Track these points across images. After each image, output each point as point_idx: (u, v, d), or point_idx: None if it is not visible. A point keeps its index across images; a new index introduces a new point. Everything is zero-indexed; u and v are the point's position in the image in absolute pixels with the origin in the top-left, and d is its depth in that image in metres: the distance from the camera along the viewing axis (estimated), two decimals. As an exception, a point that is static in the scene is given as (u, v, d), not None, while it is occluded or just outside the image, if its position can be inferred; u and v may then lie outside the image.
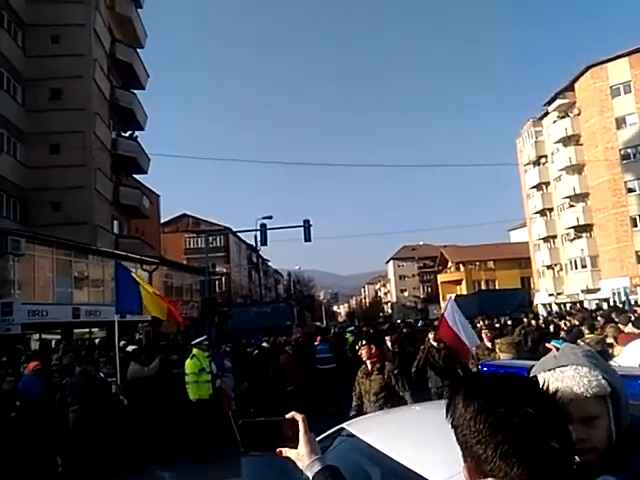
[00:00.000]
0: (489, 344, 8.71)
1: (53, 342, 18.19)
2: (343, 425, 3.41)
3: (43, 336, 18.81)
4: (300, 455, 1.30)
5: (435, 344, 8.26)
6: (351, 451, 2.84)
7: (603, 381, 1.32)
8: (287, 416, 1.33)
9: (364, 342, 5.87)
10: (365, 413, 5.48)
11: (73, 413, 7.42)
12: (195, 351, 9.16)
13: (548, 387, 1.04)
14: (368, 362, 5.77)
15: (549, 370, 1.41)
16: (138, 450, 8.11)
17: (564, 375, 1.36)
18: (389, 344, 9.05)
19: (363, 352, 5.77)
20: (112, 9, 29.50)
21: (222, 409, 9.77)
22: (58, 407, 7.60)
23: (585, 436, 1.27)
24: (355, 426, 3.27)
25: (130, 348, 10.67)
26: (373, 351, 5.74)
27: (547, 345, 3.87)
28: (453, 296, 9.83)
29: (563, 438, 0.94)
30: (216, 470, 7.44)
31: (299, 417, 1.33)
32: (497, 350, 5.84)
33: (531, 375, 1.50)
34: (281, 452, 1.30)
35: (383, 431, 3.14)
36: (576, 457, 1.23)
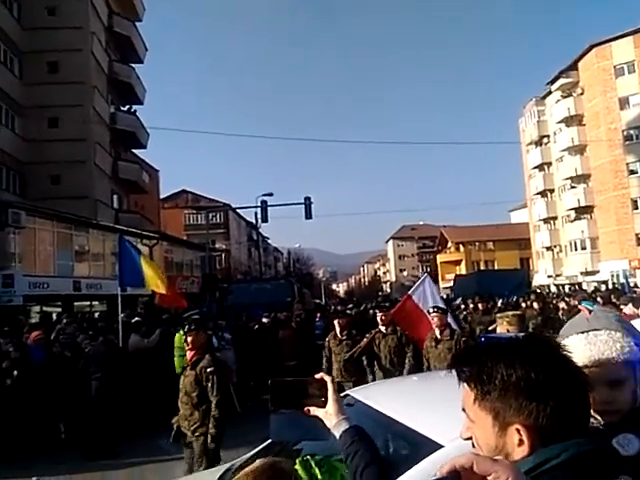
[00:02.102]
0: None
1: (54, 314, 18.27)
2: (348, 392, 3.47)
3: (44, 308, 18.89)
4: (328, 414, 1.33)
5: (383, 329, 7.22)
6: (358, 416, 2.92)
7: (635, 347, 1.37)
8: (316, 377, 1.36)
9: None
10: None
11: (95, 380, 7.61)
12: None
13: (570, 351, 1.03)
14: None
15: (582, 333, 1.44)
16: (137, 420, 8.22)
17: (597, 339, 1.39)
18: (337, 329, 7.64)
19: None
20: (109, -20, 28.97)
21: (224, 380, 9.90)
22: (81, 374, 7.78)
23: (611, 399, 1.31)
24: (360, 393, 3.33)
25: (133, 320, 10.73)
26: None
27: (579, 306, 4.00)
28: (426, 274, 8.96)
29: (583, 400, 0.96)
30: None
31: (327, 378, 1.36)
32: (500, 324, 5.82)
33: (561, 335, 1.53)
34: (309, 411, 1.33)
35: (387, 397, 3.20)
36: (599, 418, 1.30)
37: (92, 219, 22.25)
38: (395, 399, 3.12)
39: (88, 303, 22.06)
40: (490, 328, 8.89)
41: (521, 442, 0.90)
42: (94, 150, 24.71)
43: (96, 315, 20.11)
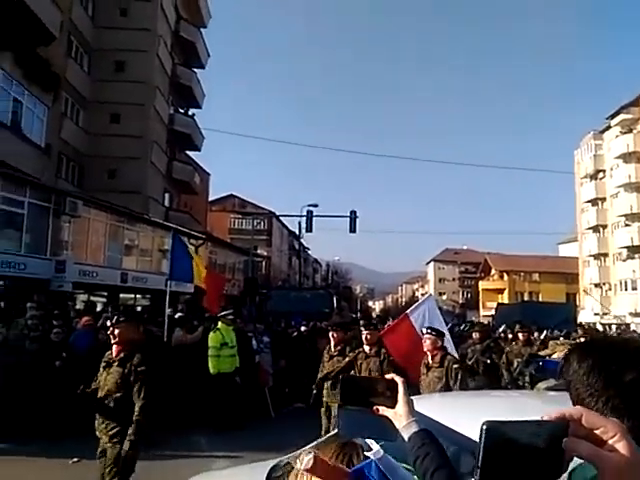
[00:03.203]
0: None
1: (98, 304, 18.80)
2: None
3: (91, 297, 19.47)
4: (397, 415, 1.31)
5: (367, 349, 6.39)
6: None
7: None
8: (387, 377, 1.36)
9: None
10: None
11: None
12: (220, 325, 9.09)
13: None
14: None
15: None
16: (176, 414, 8.29)
17: None
18: (332, 343, 7.08)
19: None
20: (180, -13, 30.03)
21: (260, 384, 9.92)
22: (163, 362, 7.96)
23: None
24: (416, 402, 3.26)
25: (177, 315, 10.91)
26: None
27: None
28: (430, 294, 8.51)
29: None
30: (243, 440, 7.59)
31: (399, 379, 1.36)
32: (559, 350, 5.72)
33: None
34: (378, 410, 1.31)
35: (447, 408, 3.12)
36: None
37: (144, 214, 22.86)
38: (456, 410, 3.05)
39: (132, 296, 22.61)
40: (542, 353, 8.56)
41: None
42: (151, 148, 25.45)
43: (139, 308, 20.66)
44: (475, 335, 9.83)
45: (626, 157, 39.53)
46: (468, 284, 79.57)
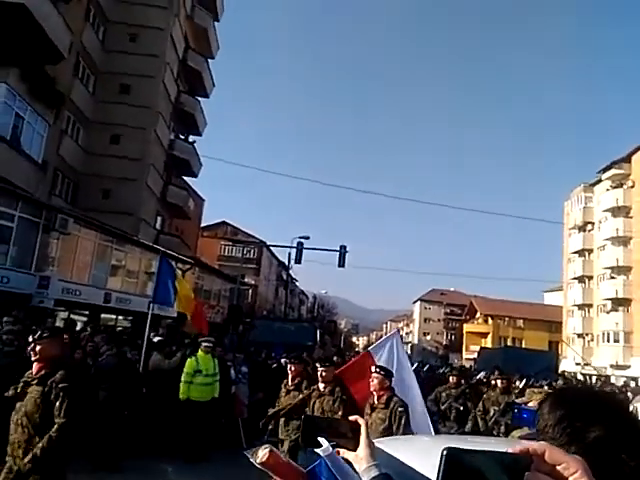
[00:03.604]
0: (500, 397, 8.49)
1: (79, 323, 18.65)
2: (374, 441, 3.45)
3: (71, 315, 19.32)
4: (358, 457, 1.28)
5: (322, 387, 6.01)
6: (382, 465, 2.86)
7: None
8: (350, 418, 1.33)
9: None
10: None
11: (103, 391, 7.69)
12: (199, 351, 9.04)
13: (637, 411, 1.07)
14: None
15: None
16: (147, 439, 8.26)
17: None
18: (289, 377, 6.74)
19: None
20: (191, 18, 30.89)
21: (234, 414, 9.90)
22: (89, 383, 7.86)
23: None
24: (384, 442, 3.31)
25: (156, 339, 10.91)
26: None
27: None
28: (396, 330, 7.67)
29: (639, 460, 0.94)
30: (215, 471, 7.60)
31: (361, 421, 1.32)
32: (535, 399, 5.73)
33: (636, 399, 1.56)
34: (338, 452, 1.29)
35: (415, 450, 3.16)
36: None
37: (134, 236, 22.94)
38: (424, 453, 3.08)
39: (114, 316, 22.47)
40: (519, 400, 8.38)
41: None
42: (148, 171, 25.72)
43: (119, 329, 20.49)
44: (452, 379, 9.42)
45: (615, 211, 40.34)
46: (453, 326, 79.55)
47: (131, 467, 7.45)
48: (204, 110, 33.49)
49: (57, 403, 3.81)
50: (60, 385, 3.85)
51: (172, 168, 30.68)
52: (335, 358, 13.12)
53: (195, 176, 34.00)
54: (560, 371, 31.26)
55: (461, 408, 8.68)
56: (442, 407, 8.71)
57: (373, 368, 5.49)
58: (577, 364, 41.59)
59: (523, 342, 52.71)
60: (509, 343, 51.90)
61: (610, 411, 1.00)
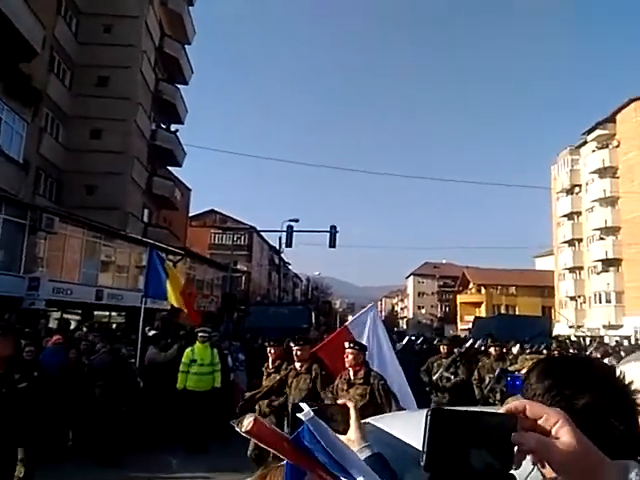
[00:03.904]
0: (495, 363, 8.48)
1: (72, 322, 18.63)
2: (367, 420, 3.49)
3: (64, 315, 19.27)
4: (350, 440, 1.30)
5: (298, 366, 5.91)
6: (377, 443, 2.86)
7: None
8: (339, 402, 1.34)
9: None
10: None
11: (98, 388, 7.73)
12: (196, 342, 9.11)
13: (624, 376, 1.04)
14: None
15: None
16: (147, 433, 8.32)
17: None
18: (270, 361, 6.63)
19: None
20: (165, 4, 30.22)
21: (234, 403, 9.96)
22: (85, 382, 7.88)
23: None
24: (380, 420, 3.33)
25: (151, 333, 10.93)
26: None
27: None
28: (372, 304, 7.31)
29: (628, 424, 0.95)
30: (215, 461, 7.65)
31: (350, 404, 1.33)
32: (522, 365, 5.75)
33: (623, 362, 1.54)
34: None
35: (411, 426, 3.18)
36: None
37: (121, 230, 22.78)
38: (420, 427, 3.11)
39: (107, 313, 22.43)
40: (512, 368, 8.38)
41: None
42: (132, 164, 25.43)
43: (114, 325, 20.51)
44: (442, 349, 9.23)
45: (601, 172, 40.57)
46: (446, 298, 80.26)
47: (132, 461, 7.54)
48: (184, 97, 33.05)
49: (19, 405, 3.61)
50: (19, 386, 3.72)
51: (156, 159, 30.36)
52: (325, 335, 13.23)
53: (180, 165, 33.69)
54: (554, 335, 31.75)
55: (452, 377, 8.57)
56: (433, 377, 8.66)
57: (347, 343, 5.39)
58: (570, 327, 42.23)
59: (516, 309, 53.37)
60: (502, 311, 52.54)
61: (598, 377, 1.01)
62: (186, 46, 33.22)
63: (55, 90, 22.83)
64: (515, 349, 11.30)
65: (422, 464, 0.70)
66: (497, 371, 8.21)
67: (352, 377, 5.21)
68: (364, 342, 5.83)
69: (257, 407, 6.12)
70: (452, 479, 0.71)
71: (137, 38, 25.94)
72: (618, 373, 1.04)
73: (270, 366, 6.57)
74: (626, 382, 1.01)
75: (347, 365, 5.27)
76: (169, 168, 33.55)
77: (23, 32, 17.60)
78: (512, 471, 0.72)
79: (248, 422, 1.09)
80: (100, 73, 24.91)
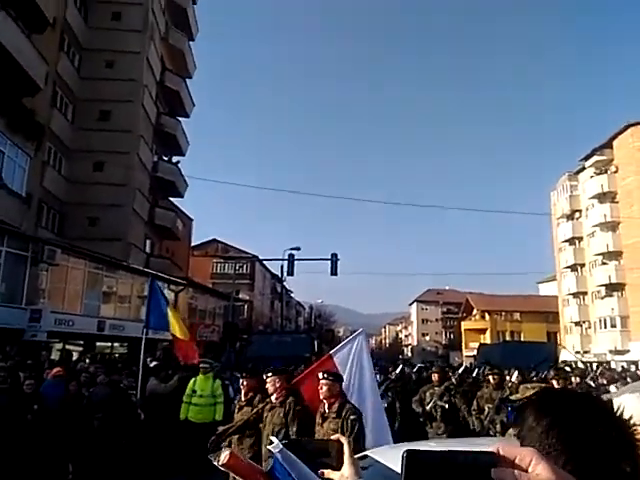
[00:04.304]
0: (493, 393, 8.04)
1: (74, 353, 18.55)
2: (367, 452, 3.46)
3: (66, 346, 19.21)
4: (344, 477, 1.26)
5: (274, 399, 5.51)
6: (377, 477, 2.82)
7: None
8: (332, 437, 1.32)
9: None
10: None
11: (97, 420, 7.65)
12: (199, 373, 9.08)
13: (622, 410, 1.01)
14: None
15: (636, 392, 1.44)
16: (148, 465, 8.21)
17: None
18: (242, 393, 6.32)
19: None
20: (166, 40, 31.01)
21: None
22: (83, 414, 7.81)
23: None
24: (379, 453, 3.31)
25: (152, 364, 10.86)
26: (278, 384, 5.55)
27: None
28: (361, 330, 6.66)
29: (633, 461, 0.93)
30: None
31: (344, 440, 1.31)
32: (523, 394, 5.66)
33: (618, 393, 1.53)
34: (323, 473, 1.26)
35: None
36: None
37: (123, 261, 22.85)
38: None
39: (109, 344, 22.34)
40: (513, 397, 8.07)
41: None
42: (134, 196, 25.67)
43: (116, 356, 20.41)
44: (434, 377, 8.85)
45: (601, 197, 40.74)
46: (451, 324, 79.63)
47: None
48: (185, 130, 33.56)
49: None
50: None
51: (158, 190, 30.64)
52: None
53: (181, 196, 34.00)
54: (560, 361, 31.42)
55: (446, 406, 8.23)
56: (427, 407, 8.34)
57: (320, 374, 5.06)
58: (577, 352, 41.77)
59: (521, 335, 52.86)
60: (507, 337, 52.07)
61: (599, 414, 0.98)
62: (187, 80, 33.93)
63: (58, 124, 23.21)
64: (514, 377, 10.79)
65: None
66: (496, 401, 7.82)
67: (326, 410, 4.94)
68: (346, 370, 5.52)
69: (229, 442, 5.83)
70: None
71: (139, 73, 26.48)
72: (616, 407, 1.01)
73: (243, 399, 6.28)
74: (625, 417, 0.98)
75: (321, 397, 4.99)
76: (171, 199, 33.84)
77: (26, 68, 18.00)
78: None
79: (224, 456, 1.11)
80: (102, 107, 25.35)
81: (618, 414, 0.99)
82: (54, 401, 8.08)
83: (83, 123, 24.91)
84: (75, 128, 24.81)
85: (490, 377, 8.71)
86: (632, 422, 0.98)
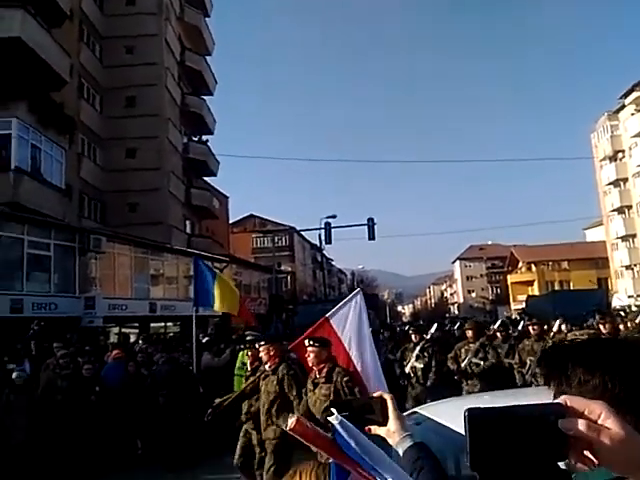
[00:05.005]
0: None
1: (131, 335, 19.22)
2: (416, 409, 3.45)
3: (122, 329, 19.92)
4: (390, 432, 1.30)
5: (268, 367, 5.54)
6: (428, 433, 2.76)
7: None
8: (375, 395, 1.35)
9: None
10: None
11: (162, 397, 7.92)
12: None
13: None
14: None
15: None
16: (213, 438, 8.43)
17: None
18: (248, 362, 6.46)
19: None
20: (181, 19, 30.77)
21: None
22: (146, 392, 8.10)
23: None
24: (429, 410, 3.29)
25: (204, 340, 11.10)
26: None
27: None
28: (358, 290, 6.06)
29: None
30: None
31: (387, 396, 1.33)
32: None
33: None
34: (370, 430, 1.28)
35: (456, 413, 3.12)
36: None
37: (167, 244, 23.32)
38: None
39: (163, 324, 23.04)
40: None
41: None
42: (168, 178, 26.00)
43: (170, 335, 21.05)
44: (468, 334, 8.50)
45: (644, 135, 38.86)
46: (496, 279, 78.50)
47: (204, 465, 7.65)
48: (211, 108, 33.54)
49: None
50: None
51: (191, 171, 30.92)
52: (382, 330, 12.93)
53: (214, 175, 34.21)
54: (614, 306, 30.60)
55: (481, 363, 7.85)
56: (462, 365, 7.96)
57: (306, 341, 4.99)
58: (629, 296, 40.60)
59: (570, 284, 51.70)
60: (556, 287, 50.97)
61: (625, 359, 0.93)
62: (207, 58, 33.70)
63: (87, 115, 23.55)
64: (555, 326, 10.14)
65: (468, 465, 0.69)
66: (538, 352, 7.51)
67: (317, 376, 4.90)
68: (345, 332, 5.28)
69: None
70: (501, 475, 0.68)
71: (159, 55, 26.46)
72: None
73: (249, 369, 6.25)
74: None
75: (310, 364, 4.94)
76: (205, 179, 34.12)
77: (50, 62, 18.18)
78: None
79: (291, 422, 1.12)
80: (127, 94, 25.55)
81: None
82: (116, 381, 8.40)
83: (111, 111, 25.20)
84: (104, 117, 25.14)
85: (530, 328, 8.48)
86: None
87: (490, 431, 0.68)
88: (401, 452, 1.32)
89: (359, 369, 5.13)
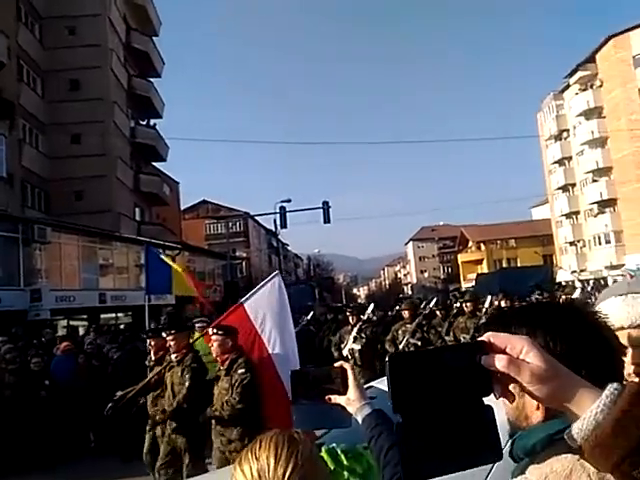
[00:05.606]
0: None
1: (80, 328, 18.73)
2: (372, 383, 3.58)
3: (71, 322, 19.38)
4: (350, 400, 1.33)
5: (174, 357, 5.27)
6: (384, 406, 2.91)
7: None
8: (335, 365, 1.38)
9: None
10: None
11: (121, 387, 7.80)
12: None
13: (597, 315, 0.97)
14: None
15: (620, 295, 1.41)
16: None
17: (636, 301, 1.36)
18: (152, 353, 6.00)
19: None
20: (126, -3, 29.62)
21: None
22: (109, 382, 7.96)
23: None
24: (384, 383, 3.39)
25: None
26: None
27: (622, 271, 3.77)
28: (276, 272, 5.65)
29: (610, 366, 0.91)
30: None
31: (347, 365, 1.38)
32: None
33: (600, 299, 1.51)
34: (330, 399, 1.31)
35: None
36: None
37: (115, 232, 22.71)
38: None
39: (114, 315, 22.53)
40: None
41: (538, 407, 0.89)
42: (115, 164, 25.22)
43: (122, 326, 20.62)
44: (405, 314, 8.15)
45: (587, 114, 40.25)
46: (448, 259, 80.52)
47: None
48: (159, 90, 32.61)
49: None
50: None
51: (139, 156, 30.09)
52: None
53: (164, 160, 33.37)
54: (557, 281, 31.96)
55: (419, 343, 7.64)
56: (400, 346, 7.72)
57: (210, 330, 4.79)
58: (573, 272, 42.49)
59: (517, 261, 53.60)
60: (504, 265, 52.77)
61: (575, 320, 0.95)
62: (154, 38, 32.63)
63: (28, 99, 22.49)
64: (487, 303, 9.81)
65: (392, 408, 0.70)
66: (471, 330, 7.61)
67: (221, 367, 4.67)
68: (260, 316, 4.91)
69: (151, 412, 5.45)
70: (424, 414, 0.69)
71: (103, 36, 25.50)
72: (596, 311, 0.99)
73: (153, 358, 5.90)
74: (604, 321, 0.96)
75: (214, 355, 4.73)
76: (154, 164, 33.27)
77: (-15, 45, 17.25)
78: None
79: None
80: (71, 76, 24.54)
81: (596, 319, 0.96)
82: (66, 374, 8.20)
83: (54, 95, 24.19)
84: (46, 101, 24.12)
85: (463, 305, 8.44)
86: (611, 325, 0.97)
87: (412, 372, 0.69)
88: (360, 419, 1.37)
89: (276, 352, 4.77)
